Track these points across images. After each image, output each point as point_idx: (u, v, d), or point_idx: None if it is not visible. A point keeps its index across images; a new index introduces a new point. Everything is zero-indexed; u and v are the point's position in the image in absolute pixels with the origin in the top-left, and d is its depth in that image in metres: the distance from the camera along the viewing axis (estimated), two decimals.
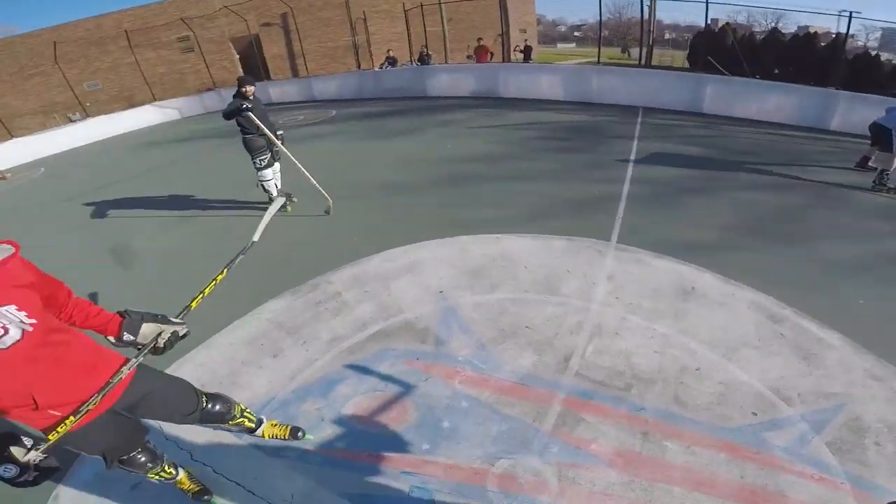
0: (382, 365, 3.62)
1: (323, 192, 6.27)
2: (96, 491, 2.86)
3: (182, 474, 2.65)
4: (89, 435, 1.89)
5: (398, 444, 3.01)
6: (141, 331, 1.95)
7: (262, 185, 6.18)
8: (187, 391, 2.36)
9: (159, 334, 1.98)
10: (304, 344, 3.89)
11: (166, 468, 2.47)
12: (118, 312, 1.98)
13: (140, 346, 1.95)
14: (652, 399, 3.20)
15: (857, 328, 3.69)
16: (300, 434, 3.01)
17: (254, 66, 21.91)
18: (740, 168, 7.49)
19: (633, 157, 8.12)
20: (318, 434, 3.09)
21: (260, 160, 5.96)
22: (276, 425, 3.02)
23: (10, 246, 1.63)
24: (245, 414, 2.75)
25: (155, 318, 2.00)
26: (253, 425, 2.83)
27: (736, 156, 8.12)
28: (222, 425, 2.65)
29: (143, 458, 2.26)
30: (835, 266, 4.46)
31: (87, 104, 20.00)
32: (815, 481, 2.62)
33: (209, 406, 2.44)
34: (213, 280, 2.44)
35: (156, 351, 1.99)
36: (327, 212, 6.28)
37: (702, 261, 4.64)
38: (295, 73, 22.75)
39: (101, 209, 8.08)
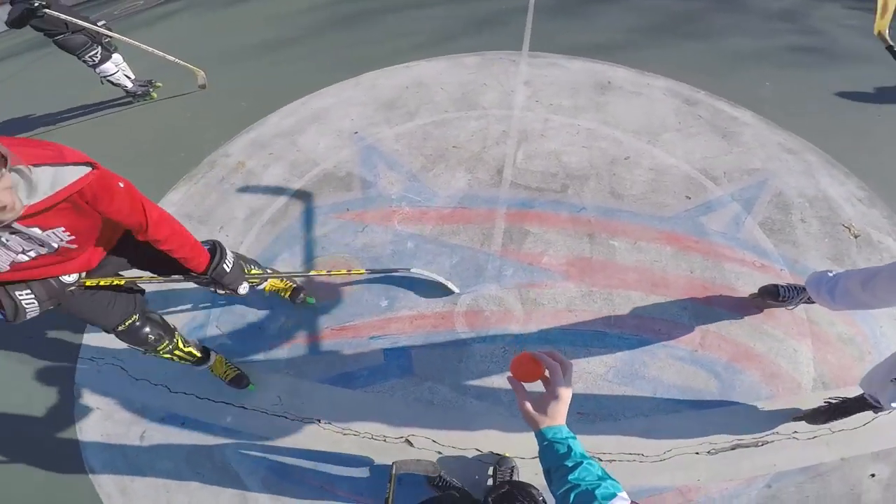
0: (312, 227, 2.70)
1: (188, 65, 4.17)
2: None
3: (215, 358, 2.10)
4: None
5: (356, 309, 2.32)
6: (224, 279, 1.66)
7: (110, 82, 4.01)
8: (116, 306, 1.70)
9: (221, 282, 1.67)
10: (222, 229, 2.80)
11: (182, 346, 1.93)
12: (209, 249, 1.66)
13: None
14: (589, 196, 2.64)
15: (765, 107, 3.15)
16: (245, 382, 2.15)
17: None
18: None
19: None
20: (273, 325, 2.33)
21: (90, 57, 3.73)
22: (226, 363, 2.18)
23: (87, 166, 1.21)
24: (177, 353, 1.93)
25: (231, 287, 1.70)
26: (191, 360, 2.00)
27: None
28: (148, 353, 1.85)
29: (146, 330, 1.77)
30: (739, 56, 3.72)
31: None
32: (757, 269, 2.29)
33: (138, 326, 1.76)
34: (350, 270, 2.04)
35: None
36: (203, 86, 4.26)
37: (614, 58, 3.73)
38: None
39: None
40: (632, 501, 0.64)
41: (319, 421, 2.04)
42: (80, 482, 2.03)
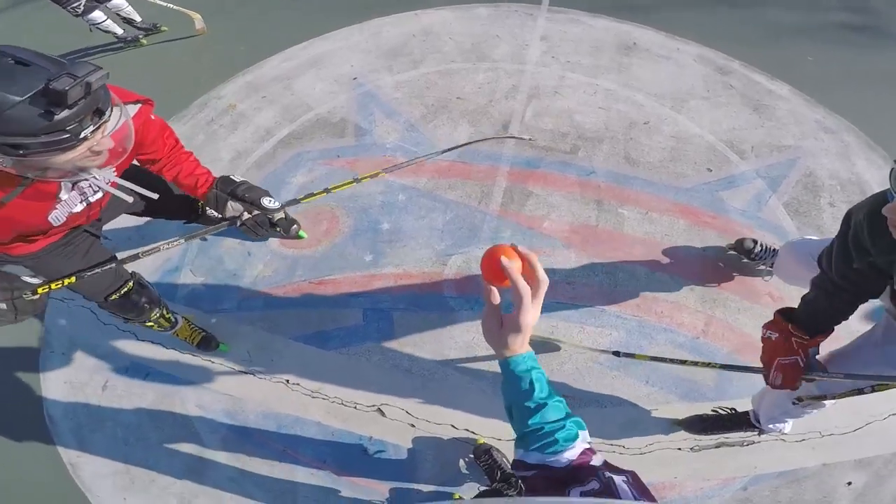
0: (299, 172, 2.51)
1: (183, 10, 3.84)
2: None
3: (181, 322, 1.95)
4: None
5: (338, 262, 2.16)
6: (227, 207, 1.53)
7: (98, 29, 3.75)
8: (106, 277, 1.59)
9: (240, 215, 1.54)
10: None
11: (166, 313, 1.83)
12: (215, 179, 1.57)
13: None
14: (601, 160, 2.43)
15: (806, 82, 2.85)
16: (214, 344, 2.00)
17: None
18: None
19: None
20: (249, 273, 2.17)
21: (73, 7, 3.49)
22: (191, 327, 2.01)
23: (137, 103, 1.28)
24: (161, 320, 1.82)
25: (250, 196, 1.53)
26: (168, 325, 1.87)
27: None
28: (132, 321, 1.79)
29: (141, 298, 1.68)
30: (781, 28, 3.35)
31: None
32: None
33: (133, 293, 1.67)
34: (357, 179, 1.79)
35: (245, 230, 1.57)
36: (201, 30, 3.98)
37: (642, 19, 3.38)
38: None
39: None
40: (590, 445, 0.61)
41: (288, 381, 1.91)
42: (38, 431, 1.93)
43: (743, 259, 2.01)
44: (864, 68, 3.03)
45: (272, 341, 2.02)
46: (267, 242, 2.23)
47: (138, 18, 3.90)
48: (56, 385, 2.05)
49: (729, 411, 1.73)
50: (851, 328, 1.28)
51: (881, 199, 0.89)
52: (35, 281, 1.37)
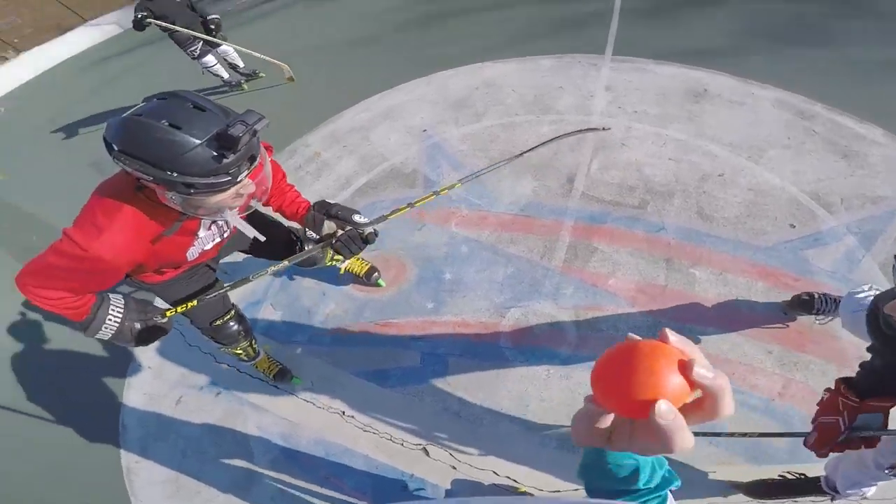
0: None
1: (275, 61, 4.54)
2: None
3: (262, 355, 2.12)
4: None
5: (402, 307, 2.28)
6: (324, 227, 1.61)
7: (209, 72, 4.59)
8: (216, 305, 1.77)
9: (334, 233, 1.60)
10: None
11: (254, 344, 2.01)
12: (311, 204, 1.66)
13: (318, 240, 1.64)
14: (672, 215, 2.36)
15: None
16: (288, 377, 2.16)
17: None
18: None
19: None
20: (322, 311, 2.36)
21: (191, 51, 4.38)
22: (270, 360, 2.21)
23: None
24: (249, 350, 2.01)
25: (343, 214, 1.59)
26: (252, 356, 2.06)
27: None
28: (226, 349, 1.96)
29: (238, 327, 1.86)
30: (868, 67, 3.12)
31: (15, 41, 14.59)
32: None
33: (232, 323, 1.85)
34: (437, 192, 1.88)
35: (334, 249, 1.60)
36: (290, 79, 4.67)
37: (713, 64, 3.32)
38: None
39: (73, 130, 6.13)
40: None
41: (343, 413, 2.02)
42: (109, 434, 2.19)
43: (804, 315, 1.87)
44: None
45: (335, 374, 2.14)
46: (340, 286, 2.41)
47: (241, 64, 4.63)
48: (136, 395, 2.32)
49: (799, 476, 1.57)
50: None
51: None
52: (164, 306, 1.49)
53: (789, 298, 1.92)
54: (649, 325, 2.00)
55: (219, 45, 4.40)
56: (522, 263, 2.31)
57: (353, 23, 5.82)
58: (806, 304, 1.84)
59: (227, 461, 2.01)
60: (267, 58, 4.54)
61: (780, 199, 2.32)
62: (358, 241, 1.56)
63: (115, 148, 1.05)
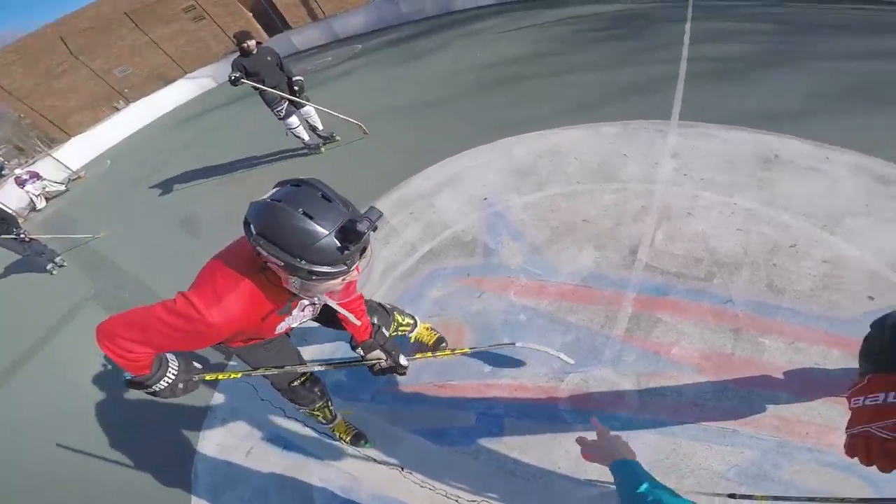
0: (434, 287, 3.14)
1: (352, 119, 5.70)
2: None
3: (339, 418, 2.47)
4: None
5: (460, 370, 2.60)
6: (371, 353, 1.91)
7: (292, 133, 5.73)
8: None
9: (378, 361, 1.92)
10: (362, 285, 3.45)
11: (331, 406, 2.33)
12: (373, 324, 1.98)
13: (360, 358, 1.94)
14: (740, 288, 2.53)
15: None
16: (363, 441, 2.48)
17: (268, 19, 19.25)
18: (817, 40, 5.09)
19: (687, 37, 5.96)
20: (389, 379, 2.74)
21: (278, 111, 5.49)
22: (346, 424, 2.58)
23: None
24: (325, 411, 2.37)
25: (395, 353, 1.93)
26: (330, 419, 2.44)
27: (810, 29, 5.48)
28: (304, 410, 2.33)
29: (315, 389, 2.18)
30: None
31: (125, 90, 18.51)
32: None
33: (309, 384, 2.19)
34: (454, 350, 2.26)
35: (372, 371, 1.95)
36: (365, 132, 5.72)
37: (784, 129, 3.57)
38: (312, 17, 19.91)
39: (168, 186, 7.61)
40: None
41: (402, 469, 2.29)
42: (182, 479, 2.61)
43: None
44: None
45: (395, 432, 2.45)
46: (404, 349, 2.79)
47: (320, 127, 5.65)
48: (209, 445, 2.75)
49: None
50: None
51: None
52: (199, 366, 1.65)
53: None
54: (716, 390, 2.14)
55: (302, 105, 5.39)
56: (582, 332, 2.56)
57: (425, 84, 7.00)
58: None
59: None
60: (344, 116, 5.59)
61: (858, 271, 2.43)
62: (391, 372, 1.94)
63: (254, 231, 1.21)
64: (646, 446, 2.04)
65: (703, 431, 2.05)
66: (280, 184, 1.28)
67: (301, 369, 1.92)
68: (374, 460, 2.37)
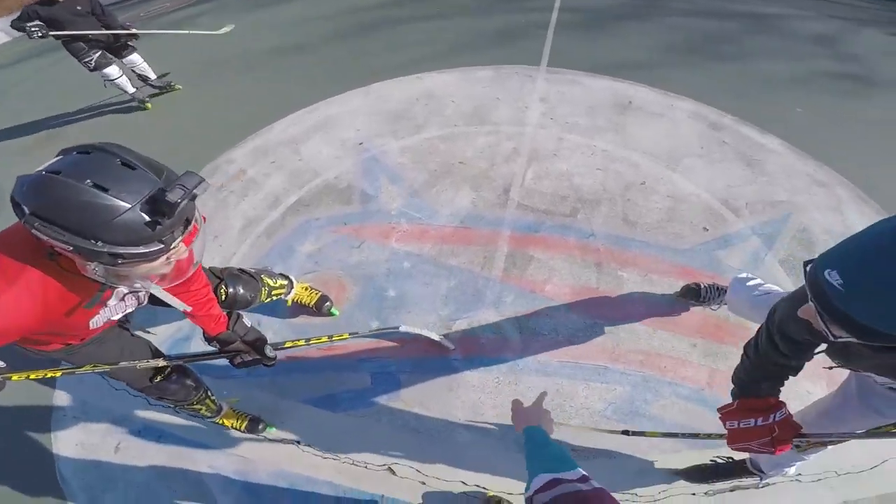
0: (307, 241, 2.84)
1: (210, 32, 4.62)
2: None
3: (226, 408, 2.16)
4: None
5: (345, 329, 2.37)
6: (232, 346, 1.69)
7: (115, 85, 4.43)
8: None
9: (238, 353, 1.71)
10: (217, 239, 2.94)
11: (212, 397, 2.04)
12: (229, 313, 1.72)
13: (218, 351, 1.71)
14: (600, 222, 2.73)
15: (796, 135, 3.23)
16: (262, 427, 2.20)
17: None
18: None
19: None
20: None
21: (86, 62, 4.22)
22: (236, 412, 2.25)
23: None
24: (207, 402, 2.05)
25: (256, 346, 1.71)
26: (215, 410, 2.12)
27: None
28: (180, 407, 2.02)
29: (182, 382, 1.86)
30: (771, 81, 3.85)
31: None
32: None
33: (173, 378, 1.86)
34: (331, 336, 2.02)
35: (232, 364, 1.72)
36: (229, 30, 4.69)
37: (637, 77, 3.88)
38: None
39: None
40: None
41: (299, 443, 2.13)
42: (51, 490, 2.14)
43: (692, 303, 2.28)
44: (852, 117, 3.41)
45: (282, 405, 2.24)
46: (275, 314, 2.51)
47: (153, 76, 4.48)
48: (68, 446, 2.27)
49: (727, 460, 1.88)
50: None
51: (798, 296, 1.11)
52: (1, 364, 1.40)
53: (679, 289, 2.33)
54: (586, 326, 2.30)
55: (125, 54, 4.31)
56: (464, 275, 2.55)
57: (282, 31, 5.94)
58: (693, 292, 2.25)
59: None
60: (205, 32, 4.54)
61: (695, 204, 2.76)
62: (255, 365, 1.70)
63: (27, 211, 0.95)
64: (531, 390, 2.14)
65: (580, 369, 2.20)
66: (63, 152, 1.01)
67: (142, 365, 1.57)
68: (266, 438, 2.16)
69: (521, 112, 3.59)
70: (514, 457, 2.02)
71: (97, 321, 1.36)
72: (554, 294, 2.43)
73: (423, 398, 2.18)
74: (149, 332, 2.48)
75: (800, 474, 1.89)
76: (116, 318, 1.44)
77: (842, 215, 2.70)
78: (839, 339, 0.87)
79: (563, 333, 2.28)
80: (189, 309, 1.47)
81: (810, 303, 0.88)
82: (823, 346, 1.19)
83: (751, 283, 1.86)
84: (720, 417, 1.40)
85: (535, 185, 2.97)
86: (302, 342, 1.89)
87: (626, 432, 1.71)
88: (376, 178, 3.15)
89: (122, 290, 1.33)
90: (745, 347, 1.38)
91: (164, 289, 1.28)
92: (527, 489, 0.89)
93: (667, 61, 4.09)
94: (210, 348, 1.69)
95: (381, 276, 2.58)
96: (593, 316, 2.33)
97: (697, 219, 2.70)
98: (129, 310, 1.48)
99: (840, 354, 1.15)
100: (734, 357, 2.21)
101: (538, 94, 3.78)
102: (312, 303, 2.43)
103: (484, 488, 1.96)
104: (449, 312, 2.40)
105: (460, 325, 2.36)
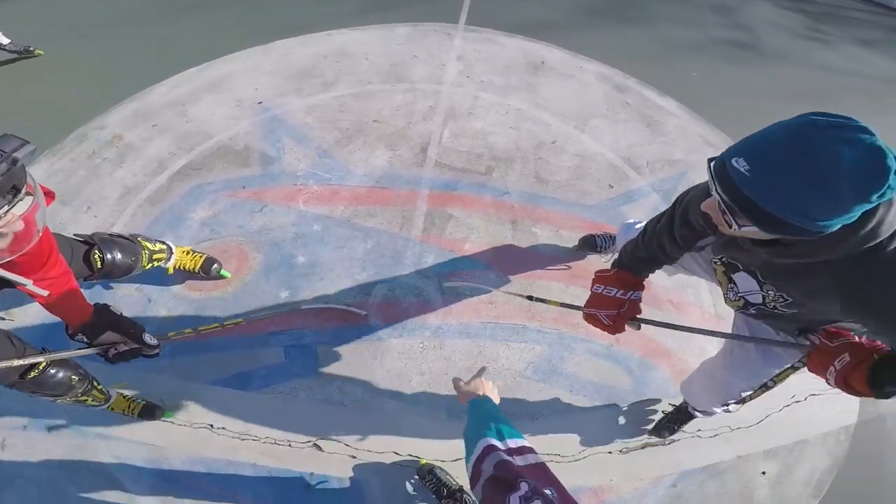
0: (199, 206, 2.51)
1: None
2: None
3: (115, 395, 1.89)
4: None
5: (250, 301, 2.21)
6: (102, 337, 1.41)
7: None
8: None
9: (112, 345, 1.43)
10: (90, 209, 2.51)
11: (99, 385, 1.76)
12: (95, 305, 1.45)
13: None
14: (514, 180, 2.72)
15: (690, 98, 3.38)
16: (158, 414, 1.95)
17: None
18: None
19: None
20: (152, 322, 2.14)
21: None
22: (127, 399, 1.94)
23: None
24: (94, 393, 1.75)
25: (132, 333, 1.43)
26: (102, 399, 1.82)
27: None
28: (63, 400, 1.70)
29: (61, 374, 1.56)
30: (671, 45, 3.97)
31: None
32: None
33: (49, 371, 1.56)
34: (224, 324, 1.82)
35: (106, 358, 1.45)
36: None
37: (550, 38, 3.82)
38: None
39: None
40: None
41: (212, 426, 1.93)
42: None
43: (590, 253, 2.38)
44: (740, 83, 3.64)
45: (186, 388, 2.01)
46: (169, 287, 2.22)
47: (5, 41, 3.60)
48: None
49: (675, 407, 2.00)
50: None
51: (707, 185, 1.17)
52: None
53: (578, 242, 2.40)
54: (503, 283, 2.29)
55: None
56: (382, 236, 2.41)
57: None
58: (590, 243, 2.34)
59: (97, 497, 1.82)
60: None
61: (601, 163, 2.83)
62: (137, 355, 1.47)
63: None
64: (457, 353, 2.10)
65: (501, 329, 2.19)
66: None
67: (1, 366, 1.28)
68: (173, 423, 1.93)
69: (438, 70, 3.42)
70: (445, 423, 1.99)
71: None
72: (473, 253, 2.38)
73: (345, 370, 2.07)
74: (4, 319, 2.11)
75: (699, 430, 2.05)
76: None
77: None
78: (738, 232, 0.92)
79: (483, 293, 2.25)
80: (45, 294, 1.29)
81: (714, 194, 0.91)
82: (711, 240, 1.29)
83: (638, 225, 1.93)
84: (594, 278, 1.52)
85: (451, 143, 2.87)
86: (189, 331, 1.66)
87: (529, 297, 1.83)
88: (279, 139, 2.84)
89: None
90: (646, 227, 1.47)
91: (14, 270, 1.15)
92: (468, 458, 0.90)
93: (579, 23, 4.10)
94: (78, 343, 1.42)
95: (288, 241, 2.36)
96: (510, 274, 2.33)
97: (603, 176, 2.77)
98: None
99: (725, 247, 1.21)
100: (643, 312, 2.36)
101: (455, 52, 3.62)
102: (198, 267, 2.18)
103: (417, 457, 1.91)
104: (367, 277, 2.27)
105: (380, 290, 2.24)
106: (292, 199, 2.52)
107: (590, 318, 1.52)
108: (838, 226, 0.80)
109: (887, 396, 1.12)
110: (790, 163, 0.79)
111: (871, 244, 0.84)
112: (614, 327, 1.47)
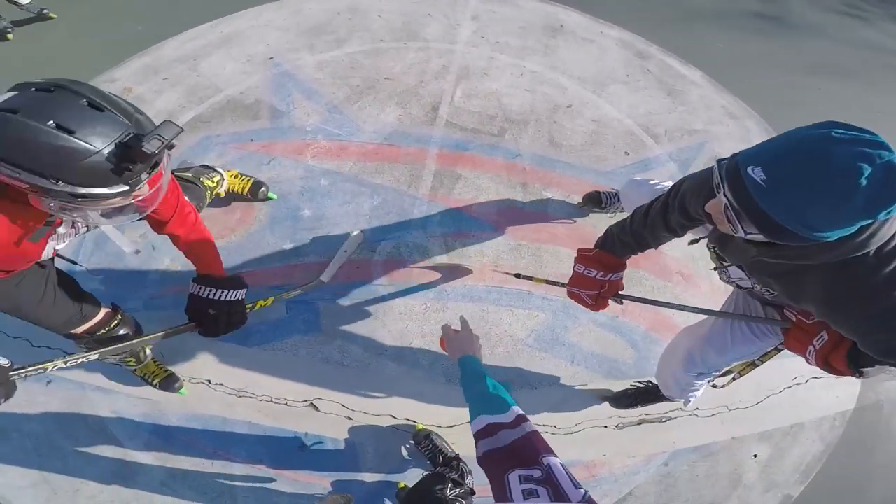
0: (207, 158, 2.39)
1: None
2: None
3: (147, 360, 1.84)
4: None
5: (254, 252, 2.12)
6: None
7: None
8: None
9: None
10: None
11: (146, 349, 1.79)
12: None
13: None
14: (527, 142, 2.57)
15: (715, 69, 3.16)
16: (177, 386, 1.89)
17: None
18: None
19: None
20: (156, 270, 2.10)
21: None
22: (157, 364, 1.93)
23: None
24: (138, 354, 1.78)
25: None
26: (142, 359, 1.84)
27: None
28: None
29: (122, 332, 1.60)
30: (698, 14, 3.67)
31: None
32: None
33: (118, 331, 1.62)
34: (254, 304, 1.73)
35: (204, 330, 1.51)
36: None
37: (570, 2, 3.55)
38: None
39: None
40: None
41: (210, 382, 1.88)
42: None
43: (595, 210, 2.28)
44: (767, 57, 3.38)
45: (186, 341, 1.90)
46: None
47: (23, 1, 3.44)
48: None
49: (647, 384, 1.92)
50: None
51: (708, 178, 1.06)
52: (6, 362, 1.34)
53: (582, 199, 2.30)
54: (511, 247, 2.18)
55: None
56: (389, 193, 2.31)
57: None
58: (594, 198, 2.23)
59: (93, 452, 1.79)
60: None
61: (618, 129, 2.66)
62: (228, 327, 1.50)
63: None
64: (459, 315, 2.01)
65: (505, 295, 2.10)
66: (18, 87, 0.92)
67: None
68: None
69: (452, 29, 3.22)
70: (444, 388, 1.92)
71: (48, 252, 1.26)
72: (480, 214, 2.27)
73: (346, 329, 1.99)
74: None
75: (697, 409, 1.96)
76: (61, 246, 1.31)
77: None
78: (748, 236, 0.89)
79: (489, 256, 2.15)
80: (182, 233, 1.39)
81: (721, 197, 0.88)
82: (705, 233, 1.27)
83: (652, 182, 1.81)
84: (576, 257, 1.50)
85: (464, 103, 2.71)
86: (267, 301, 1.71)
87: (517, 275, 1.84)
88: (289, 94, 2.70)
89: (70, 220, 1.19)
90: (634, 212, 1.41)
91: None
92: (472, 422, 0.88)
93: None
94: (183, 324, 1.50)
95: (294, 194, 2.26)
96: (518, 237, 2.22)
97: (619, 143, 2.61)
98: (73, 238, 1.34)
99: (719, 241, 1.19)
100: (648, 282, 2.22)
101: (470, 11, 3.40)
102: (246, 189, 2.15)
103: (413, 421, 1.85)
104: (372, 233, 2.17)
105: (385, 247, 2.14)
106: (300, 153, 2.41)
107: (573, 296, 1.52)
108: (836, 237, 0.80)
109: (861, 375, 1.14)
110: (808, 178, 0.76)
111: (859, 253, 0.84)
112: (596, 305, 1.46)
